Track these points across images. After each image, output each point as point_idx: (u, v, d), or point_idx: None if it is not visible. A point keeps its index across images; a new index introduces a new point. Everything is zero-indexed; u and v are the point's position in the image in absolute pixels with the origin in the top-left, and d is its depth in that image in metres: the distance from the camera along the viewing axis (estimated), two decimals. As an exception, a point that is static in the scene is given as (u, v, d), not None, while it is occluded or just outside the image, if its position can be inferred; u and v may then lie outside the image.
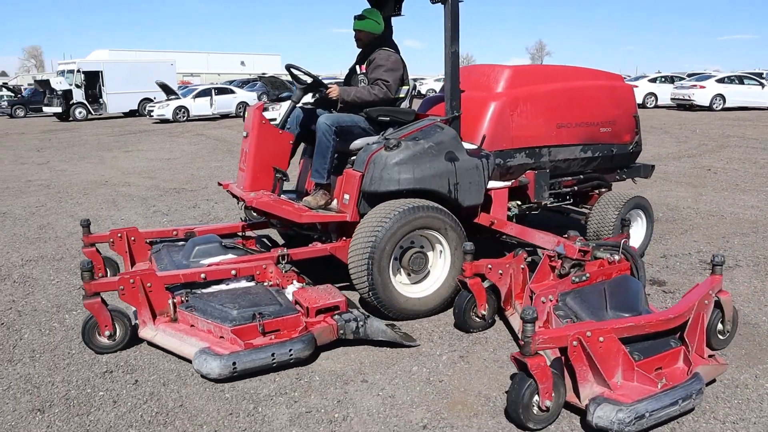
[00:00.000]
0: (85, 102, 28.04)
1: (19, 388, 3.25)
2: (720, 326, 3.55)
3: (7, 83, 52.96)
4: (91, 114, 28.17)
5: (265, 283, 4.00)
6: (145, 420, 2.93)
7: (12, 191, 9.37)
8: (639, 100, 28.09)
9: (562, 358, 2.87)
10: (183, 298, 3.76)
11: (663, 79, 30.32)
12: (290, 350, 3.32)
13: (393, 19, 5.10)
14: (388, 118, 4.49)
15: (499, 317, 4.06)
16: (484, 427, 2.85)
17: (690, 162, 11.55)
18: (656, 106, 28.44)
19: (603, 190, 5.60)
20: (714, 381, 3.21)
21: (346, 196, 4.16)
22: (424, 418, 2.93)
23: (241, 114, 23.09)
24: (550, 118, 4.92)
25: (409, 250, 4.08)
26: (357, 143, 4.49)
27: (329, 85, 4.66)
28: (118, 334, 3.65)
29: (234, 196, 4.72)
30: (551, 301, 3.60)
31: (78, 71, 27.96)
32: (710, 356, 3.19)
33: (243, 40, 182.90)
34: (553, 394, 2.76)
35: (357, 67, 4.78)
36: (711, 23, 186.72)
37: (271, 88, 20.64)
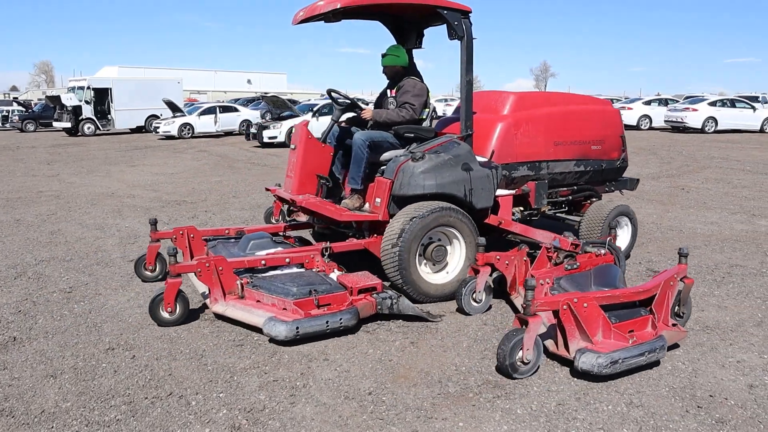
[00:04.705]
0: (94, 118, 28.85)
1: (35, 359, 3.87)
2: (677, 308, 4.28)
3: (17, 98, 54.03)
4: (99, 130, 28.98)
5: (314, 269, 4.82)
6: (140, 384, 3.53)
7: (24, 201, 10.04)
8: (633, 122, 28.73)
9: (555, 320, 3.74)
10: (249, 280, 4.54)
11: (658, 102, 31.06)
12: (340, 319, 4.12)
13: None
14: (412, 135, 5.28)
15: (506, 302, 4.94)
16: (420, 394, 3.44)
17: (667, 182, 12.14)
18: (651, 128, 29.09)
19: (594, 199, 6.52)
20: (677, 345, 4.08)
21: (378, 200, 4.97)
22: (370, 386, 3.52)
23: (245, 132, 23.78)
24: (549, 137, 5.82)
25: (431, 244, 4.92)
26: (386, 155, 5.27)
27: (363, 108, 5.59)
28: (177, 311, 4.38)
29: (280, 199, 5.79)
30: (548, 283, 4.44)
31: (88, 88, 28.83)
32: (674, 325, 4.03)
33: (250, 59, 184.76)
34: (533, 351, 3.56)
35: (388, 91, 5.65)
36: (717, 46, 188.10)
37: (273, 107, 21.42)
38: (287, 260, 4.83)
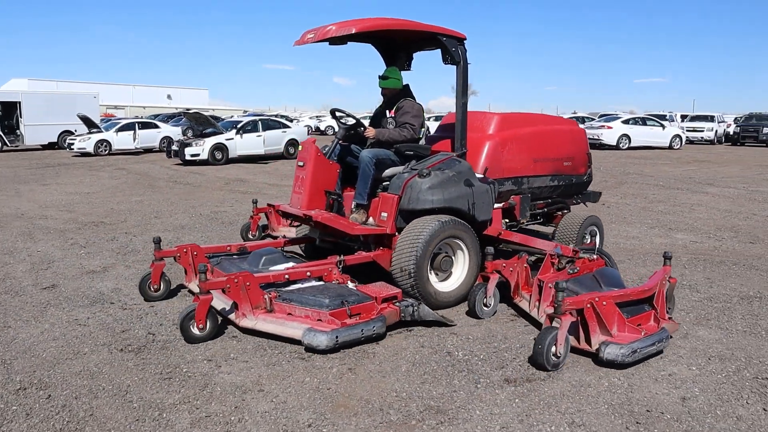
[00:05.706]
0: (0, 133, 27.21)
1: (-66, 405, 3.48)
2: None
3: None
4: (7, 146, 27.34)
5: (334, 282, 4.94)
6: (57, 428, 3.24)
7: None
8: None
9: (578, 318, 4.18)
10: (276, 294, 4.59)
11: (575, 120, 32.36)
12: (373, 327, 4.30)
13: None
14: (412, 153, 5.58)
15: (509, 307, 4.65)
16: (361, 424, 3.32)
17: (588, 197, 12.52)
18: (568, 145, 30.19)
19: (564, 211, 7.11)
20: (670, 336, 4.45)
21: (384, 214, 5.19)
22: (310, 418, 3.37)
23: (166, 149, 23.00)
24: (529, 154, 6.34)
25: (438, 255, 5.14)
26: (388, 172, 5.55)
27: (367, 127, 5.75)
28: (207, 328, 4.39)
29: (286, 214, 5.85)
30: None
31: (-7, 101, 27.19)
32: (669, 318, 4.63)
33: (170, 74, 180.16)
34: (563, 346, 3.95)
35: (386, 111, 5.93)
36: (627, 66, 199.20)
37: (196, 124, 20.80)
38: (308, 273, 4.97)
